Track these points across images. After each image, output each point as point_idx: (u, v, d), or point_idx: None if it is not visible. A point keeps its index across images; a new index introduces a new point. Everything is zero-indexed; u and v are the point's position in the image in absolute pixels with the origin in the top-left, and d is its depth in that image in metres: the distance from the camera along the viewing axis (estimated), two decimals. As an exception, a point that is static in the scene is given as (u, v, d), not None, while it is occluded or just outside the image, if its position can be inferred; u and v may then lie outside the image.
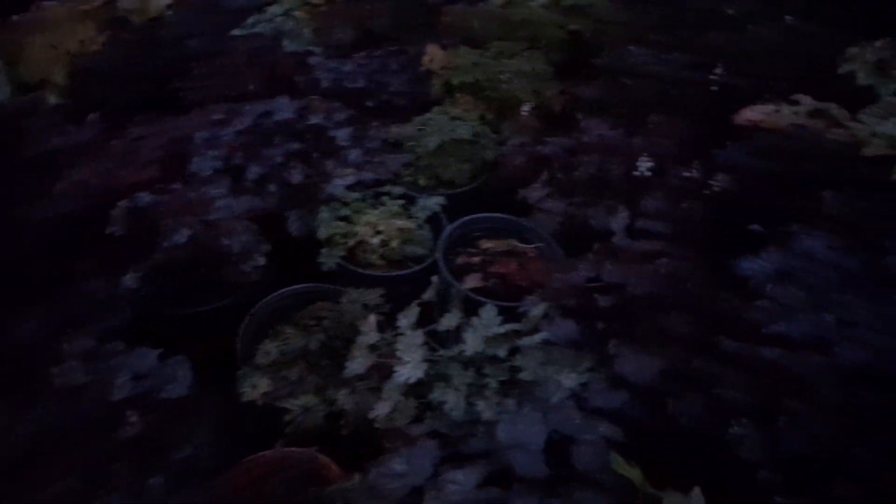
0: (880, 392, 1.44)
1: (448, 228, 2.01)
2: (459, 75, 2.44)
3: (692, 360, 1.55)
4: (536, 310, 1.69)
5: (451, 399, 1.45)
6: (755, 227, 1.88)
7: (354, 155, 2.13)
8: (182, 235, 1.79)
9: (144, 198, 1.96)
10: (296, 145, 2.11)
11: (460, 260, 1.94)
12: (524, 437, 1.32)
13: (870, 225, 1.79)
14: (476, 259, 1.93)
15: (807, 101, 2.40)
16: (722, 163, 2.12)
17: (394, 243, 1.93)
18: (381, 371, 1.58)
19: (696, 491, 1.27)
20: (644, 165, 1.87)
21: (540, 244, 2.00)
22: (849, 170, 2.05)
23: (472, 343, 1.56)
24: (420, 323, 1.68)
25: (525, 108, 2.22)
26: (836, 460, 1.35)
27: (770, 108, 2.38)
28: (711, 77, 2.53)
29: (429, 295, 1.77)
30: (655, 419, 1.51)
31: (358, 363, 1.59)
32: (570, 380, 1.52)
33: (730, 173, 2.08)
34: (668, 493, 1.33)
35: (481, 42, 2.67)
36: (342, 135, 2.18)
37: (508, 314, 1.70)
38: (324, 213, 1.97)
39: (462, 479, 1.23)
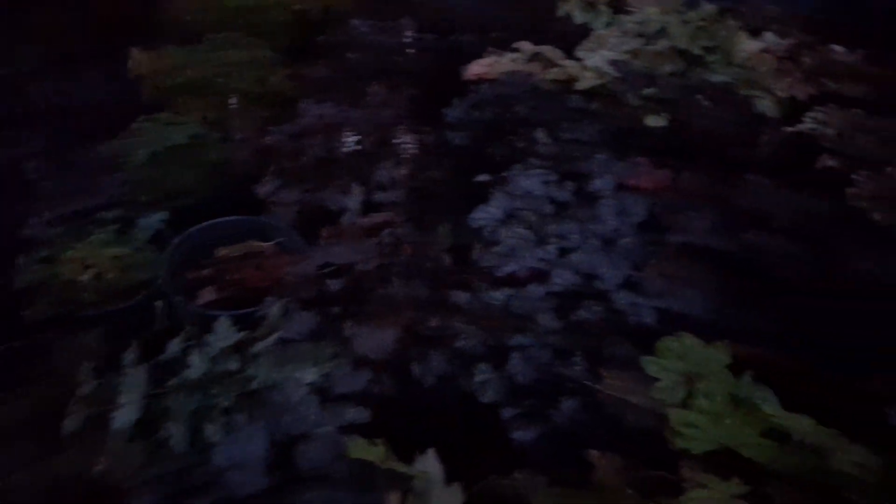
0: (589, 308, 1.58)
1: (172, 244, 1.88)
2: (170, 77, 2.29)
3: (428, 320, 1.60)
4: (274, 310, 1.64)
5: (174, 432, 1.36)
6: (483, 176, 1.97)
7: (52, 186, 1.91)
8: None
9: None
10: (-27, 189, 1.86)
11: (191, 276, 1.83)
12: (245, 454, 1.28)
13: (576, 154, 1.96)
14: (207, 271, 1.83)
15: (526, 47, 2.57)
16: (451, 120, 2.20)
17: (110, 275, 1.77)
18: (100, 421, 1.44)
19: (429, 453, 1.30)
20: (350, 140, 1.88)
21: (280, 239, 1.94)
22: (561, 106, 2.22)
23: (197, 364, 1.48)
24: (151, 354, 1.56)
25: (233, 101, 2.13)
26: (557, 381, 1.46)
27: (493, 59, 2.52)
28: (433, 38, 2.62)
29: (158, 322, 1.65)
30: (402, 388, 1.53)
31: (73, 420, 1.44)
32: (310, 374, 1.49)
33: (458, 129, 2.17)
34: (417, 460, 1.36)
35: (196, 36, 2.53)
36: (34, 166, 1.95)
37: (248, 321, 1.63)
38: (20, 261, 1.75)
39: (167, 522, 1.16)
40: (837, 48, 2.40)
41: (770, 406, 1.37)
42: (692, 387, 1.40)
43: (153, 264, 1.86)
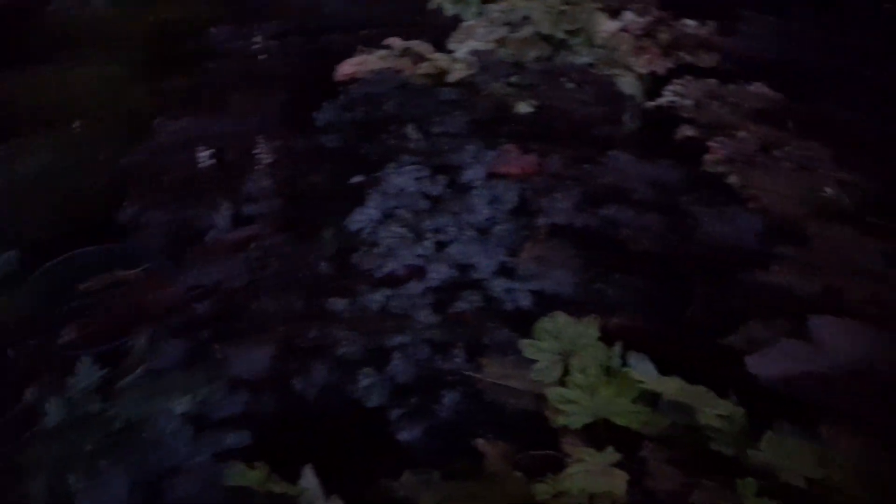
0: (467, 299, 1.60)
1: (26, 284, 1.76)
2: (13, 105, 2.14)
3: (306, 332, 1.57)
4: (140, 341, 1.57)
5: (32, 487, 1.28)
6: (357, 178, 1.96)
7: None
8: None
9: None
10: None
11: (50, 315, 1.72)
12: (106, 499, 1.21)
13: (447, 147, 1.98)
14: (68, 308, 1.72)
15: (397, 43, 2.57)
16: (322, 124, 2.17)
17: (-45, 326, 1.64)
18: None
19: (307, 471, 1.28)
20: (205, 154, 1.82)
21: (147, 265, 1.86)
22: (432, 100, 2.23)
23: (54, 411, 1.39)
24: (5, 408, 1.46)
25: (76, 124, 2.02)
26: (438, 376, 1.47)
27: (363, 57, 2.50)
28: (301, 41, 2.58)
29: (12, 371, 1.54)
30: (284, 405, 1.50)
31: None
32: (182, 404, 1.44)
33: (330, 132, 2.14)
34: (303, 476, 1.34)
35: (41, 58, 2.38)
36: None
37: (113, 356, 1.55)
38: None
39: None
40: (690, 22, 2.55)
41: (641, 372, 1.43)
42: (567, 363, 1.45)
43: (5, 308, 1.73)
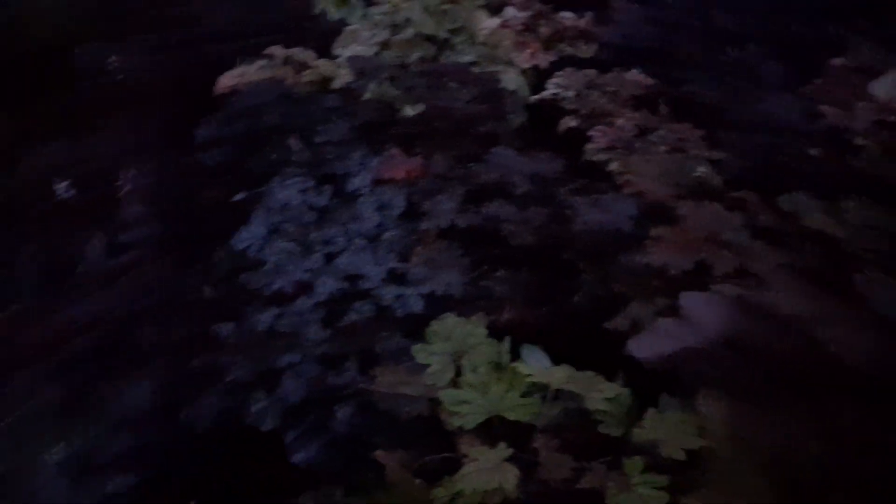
0: (358, 310, 1.59)
1: None
2: None
3: (191, 361, 1.52)
4: (10, 387, 1.47)
5: None
6: (240, 195, 1.91)
7: None
8: None
9: None
10: None
11: None
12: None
13: (331, 156, 1.96)
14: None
15: (278, 52, 2.51)
16: (202, 140, 2.10)
17: None
18: None
19: (191, 504, 1.24)
20: (65, 184, 1.73)
21: (16, 305, 1.74)
22: (315, 108, 2.20)
23: None
24: None
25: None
26: (330, 391, 1.46)
27: (243, 68, 2.43)
28: (180, 54, 2.49)
29: None
30: (172, 439, 1.45)
31: None
32: (57, 452, 1.36)
33: (211, 148, 2.07)
34: (193, 511, 1.30)
35: None
36: None
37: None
38: None
39: None
40: (568, 14, 2.62)
41: (534, 364, 1.45)
42: (459, 364, 1.46)
43: None
